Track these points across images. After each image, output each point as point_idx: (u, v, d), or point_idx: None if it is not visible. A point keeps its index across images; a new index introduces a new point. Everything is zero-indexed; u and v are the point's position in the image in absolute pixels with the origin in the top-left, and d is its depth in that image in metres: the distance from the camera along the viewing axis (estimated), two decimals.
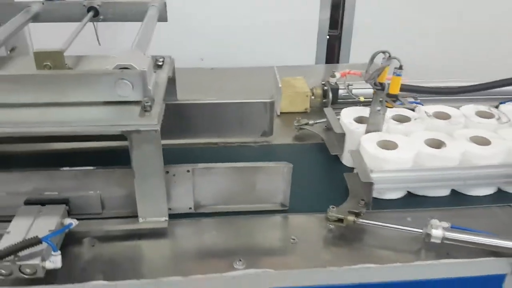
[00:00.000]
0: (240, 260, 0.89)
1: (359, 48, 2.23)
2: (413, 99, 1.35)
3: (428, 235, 0.90)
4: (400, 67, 1.01)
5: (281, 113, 1.45)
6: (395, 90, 1.03)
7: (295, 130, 1.35)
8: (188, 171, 0.96)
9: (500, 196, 1.09)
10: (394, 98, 1.04)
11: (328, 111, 1.29)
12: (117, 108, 0.89)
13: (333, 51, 2.28)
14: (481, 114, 1.21)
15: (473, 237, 0.90)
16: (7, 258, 0.80)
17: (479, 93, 1.24)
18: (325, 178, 1.16)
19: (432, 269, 0.91)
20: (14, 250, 0.80)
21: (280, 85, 1.41)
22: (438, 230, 0.90)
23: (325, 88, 1.46)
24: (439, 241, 0.90)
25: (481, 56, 2.12)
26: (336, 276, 0.90)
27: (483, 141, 1.08)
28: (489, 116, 1.20)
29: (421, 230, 0.92)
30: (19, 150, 1.17)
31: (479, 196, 1.08)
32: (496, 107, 1.27)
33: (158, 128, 0.86)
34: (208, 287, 0.88)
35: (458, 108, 1.23)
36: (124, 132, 0.85)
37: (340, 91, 1.45)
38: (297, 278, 0.90)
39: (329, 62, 2.24)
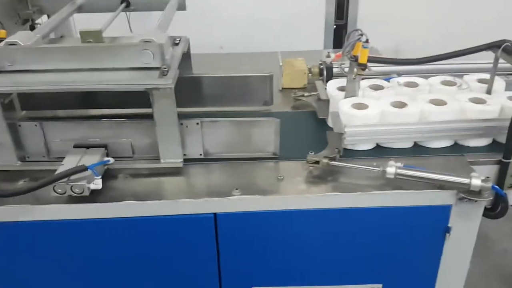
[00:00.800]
0: (237, 189, 1.16)
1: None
2: (396, 75, 1.59)
3: (384, 172, 1.14)
4: (366, 41, 1.25)
5: (282, 88, 1.70)
6: (363, 60, 1.27)
7: (293, 101, 1.60)
8: (197, 123, 1.23)
9: (456, 148, 1.31)
10: (363, 67, 1.28)
11: (319, 83, 1.54)
12: (142, 72, 1.16)
13: (340, 39, 2.52)
14: (446, 83, 1.43)
15: (420, 173, 1.14)
16: (61, 180, 1.09)
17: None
18: (312, 135, 1.39)
19: (386, 197, 1.15)
20: (67, 174, 1.09)
21: (281, 64, 1.67)
22: (391, 168, 1.14)
23: (321, 67, 1.70)
24: (392, 176, 1.14)
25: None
26: (310, 201, 1.15)
27: (440, 103, 1.31)
28: (452, 84, 1.42)
29: (379, 169, 1.16)
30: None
31: (437, 148, 1.30)
32: (462, 77, 1.48)
33: (172, 86, 1.13)
34: (213, 208, 1.15)
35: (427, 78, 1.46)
36: (147, 89, 1.13)
37: (335, 70, 1.69)
38: (280, 203, 1.16)
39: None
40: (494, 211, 1.27)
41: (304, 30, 2.41)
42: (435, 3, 2.39)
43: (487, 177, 1.11)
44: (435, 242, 1.22)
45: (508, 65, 1.31)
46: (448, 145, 1.31)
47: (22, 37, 1.20)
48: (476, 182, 1.10)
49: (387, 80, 1.47)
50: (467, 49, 1.32)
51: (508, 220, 1.62)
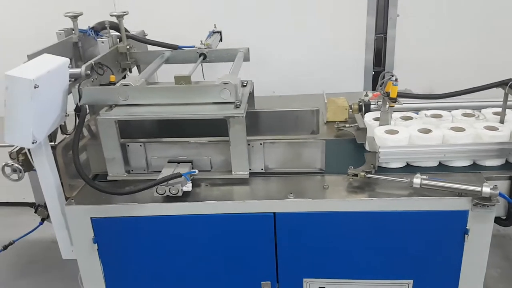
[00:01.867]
0: (291, 194, 1.48)
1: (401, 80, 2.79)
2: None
3: (411, 182, 1.43)
4: (396, 80, 1.58)
5: (327, 121, 2.04)
6: (394, 94, 1.59)
7: (336, 131, 1.93)
8: (260, 143, 1.58)
9: (475, 167, 1.58)
10: (393, 101, 1.60)
11: (358, 116, 1.86)
12: (221, 106, 1.54)
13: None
14: (465, 115, 1.72)
15: (441, 183, 1.42)
16: (162, 184, 1.46)
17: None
18: (352, 157, 1.69)
19: (413, 202, 1.44)
20: (166, 179, 1.46)
21: (326, 101, 2.02)
22: (417, 179, 1.43)
23: (360, 103, 2.03)
24: (418, 186, 1.43)
25: None
26: (349, 205, 1.46)
27: (459, 129, 1.59)
28: (471, 116, 1.71)
29: (407, 180, 1.45)
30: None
31: (459, 167, 1.58)
32: (480, 111, 1.76)
33: (243, 115, 1.49)
34: (272, 208, 1.48)
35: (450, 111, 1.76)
36: (225, 117, 1.50)
37: (372, 106, 2.01)
38: (326, 205, 1.47)
39: None
40: (507, 220, 1.52)
41: (345, 76, 2.77)
42: (461, 47, 2.70)
43: (495, 186, 1.38)
44: (456, 242, 1.47)
45: None
46: (467, 164, 1.59)
47: (132, 80, 1.62)
48: (486, 189, 1.37)
49: (416, 113, 1.78)
50: (481, 86, 1.63)
51: None
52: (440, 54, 2.72)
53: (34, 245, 2.84)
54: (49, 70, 1.38)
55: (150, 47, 2.23)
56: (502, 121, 1.65)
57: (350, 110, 2.03)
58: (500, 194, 1.39)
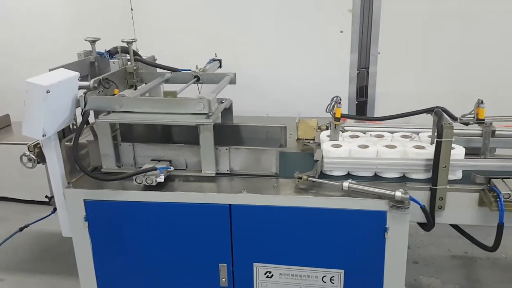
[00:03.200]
0: (245, 189, 1.81)
1: (381, 110, 3.08)
2: None
3: (341, 185, 1.74)
4: (339, 102, 1.91)
5: (298, 139, 2.37)
6: (338, 115, 1.92)
7: (302, 146, 2.26)
8: (226, 149, 1.93)
9: (403, 179, 1.87)
10: (337, 120, 1.93)
11: (318, 135, 2.19)
12: (196, 116, 1.89)
13: (363, 112, 3.17)
14: (404, 136, 2.02)
15: (364, 187, 1.72)
16: (140, 174, 1.82)
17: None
18: (307, 167, 2.01)
19: (342, 201, 1.74)
20: (144, 170, 1.83)
21: (297, 121, 2.36)
22: (346, 183, 1.74)
23: (327, 125, 2.35)
24: (346, 188, 1.73)
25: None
26: (290, 200, 1.77)
27: (392, 147, 1.89)
28: (408, 137, 2.01)
29: (338, 183, 1.76)
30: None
31: (390, 178, 1.87)
32: (418, 134, 2.06)
33: (211, 123, 1.84)
34: (228, 200, 1.81)
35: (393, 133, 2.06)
36: (197, 124, 1.86)
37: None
38: (271, 200, 1.79)
39: None
40: (426, 225, 1.79)
41: None
42: (435, 81, 2.99)
43: (406, 191, 1.67)
44: (379, 239, 1.75)
45: None
46: (397, 176, 1.88)
47: (128, 92, 2.01)
48: (398, 194, 1.67)
49: (364, 133, 2.09)
50: (413, 111, 1.94)
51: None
52: (417, 87, 3.02)
53: (48, 236, 3.26)
54: (60, 80, 1.79)
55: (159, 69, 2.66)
56: (432, 143, 1.93)
57: (319, 130, 2.36)
58: (410, 198, 1.68)
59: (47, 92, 1.70)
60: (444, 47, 2.96)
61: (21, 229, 2.55)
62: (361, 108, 3.16)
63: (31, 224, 2.57)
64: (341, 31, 3.01)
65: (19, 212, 3.68)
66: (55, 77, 1.80)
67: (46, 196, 2.34)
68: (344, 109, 3.12)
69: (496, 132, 2.07)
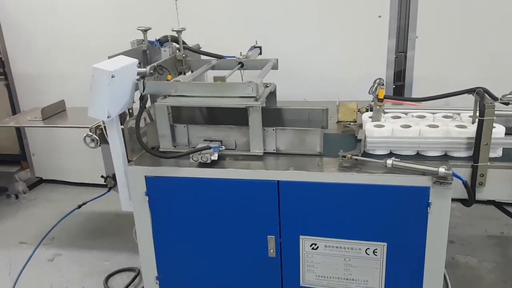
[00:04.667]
0: (292, 167, 1.94)
1: (418, 94, 3.14)
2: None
3: (385, 162, 1.84)
4: (382, 84, 2.00)
5: (338, 121, 2.47)
6: (381, 96, 2.01)
7: (343, 127, 2.36)
8: (273, 129, 2.05)
9: (445, 157, 1.94)
10: (381, 101, 2.02)
11: (359, 116, 2.28)
12: (245, 99, 2.02)
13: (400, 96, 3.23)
14: (445, 117, 2.09)
15: (407, 164, 1.81)
16: (196, 153, 1.97)
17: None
18: (351, 146, 2.11)
19: (386, 177, 1.84)
20: (200, 149, 1.97)
21: (337, 104, 2.46)
22: (390, 160, 1.83)
23: (367, 107, 2.44)
24: (390, 166, 1.83)
25: None
26: (335, 177, 1.89)
27: (434, 126, 1.97)
28: (449, 117, 2.08)
29: (382, 160, 1.85)
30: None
31: (432, 156, 1.95)
32: (459, 114, 2.12)
33: (260, 106, 1.97)
34: (276, 177, 1.93)
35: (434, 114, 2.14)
36: (246, 107, 1.99)
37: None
38: (316, 176, 1.90)
39: None
40: (467, 200, 1.87)
41: (369, 89, 3.17)
42: (473, 64, 3.02)
43: (449, 167, 1.76)
44: (421, 213, 1.84)
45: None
46: (439, 154, 1.96)
47: (182, 78, 2.16)
48: (441, 170, 1.75)
49: (406, 114, 2.17)
50: (454, 92, 2.01)
51: None
52: (454, 71, 3.06)
53: (99, 216, 3.48)
54: (123, 66, 1.95)
55: (203, 56, 2.80)
56: (473, 122, 2.00)
57: (359, 112, 2.46)
58: (453, 174, 1.76)
59: (112, 77, 1.86)
60: (482, 32, 2.99)
61: (79, 206, 2.74)
62: (399, 92, 3.22)
63: (88, 201, 2.76)
64: (379, 16, 3.07)
65: (68, 194, 3.94)
66: (118, 63, 1.96)
67: (102, 176, 2.51)
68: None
69: None
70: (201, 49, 2.90)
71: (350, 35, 3.16)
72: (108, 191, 2.53)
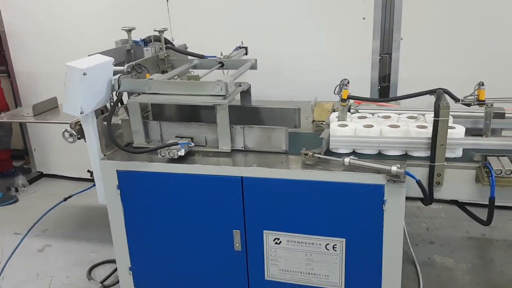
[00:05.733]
0: (255, 164, 2.00)
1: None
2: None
3: (343, 160, 1.89)
4: (347, 84, 2.05)
5: (313, 120, 2.52)
6: (344, 96, 2.06)
7: (315, 127, 2.42)
8: (241, 127, 2.12)
9: (404, 157, 1.99)
10: (344, 102, 2.07)
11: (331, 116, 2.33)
12: (214, 97, 2.10)
13: (385, 97, 3.25)
14: (409, 117, 2.13)
15: (363, 162, 1.86)
16: (164, 148, 2.05)
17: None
18: (315, 144, 2.16)
19: (343, 175, 1.89)
20: (167, 145, 2.05)
21: (312, 104, 2.51)
22: (347, 158, 1.88)
23: (343, 108, 2.49)
24: (348, 164, 1.88)
25: None
26: (295, 173, 1.95)
27: (395, 126, 2.01)
28: (413, 118, 2.12)
29: (340, 159, 1.91)
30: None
31: (392, 155, 2.00)
32: (423, 115, 2.16)
33: (227, 104, 2.04)
34: (240, 173, 2.00)
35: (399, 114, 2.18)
36: (214, 104, 2.06)
37: (352, 110, 2.46)
38: (278, 173, 1.97)
39: None
40: (423, 199, 1.91)
41: (354, 90, 3.20)
42: (458, 66, 3.03)
43: (402, 166, 1.80)
44: (377, 210, 1.89)
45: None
46: (400, 154, 2.00)
47: (156, 76, 2.24)
48: (394, 168, 1.80)
49: (372, 115, 2.22)
50: (416, 93, 2.05)
51: None
52: (439, 72, 3.07)
53: (91, 209, 3.60)
54: (96, 64, 2.05)
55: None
56: None
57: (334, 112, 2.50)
58: (405, 173, 1.80)
59: (83, 74, 1.96)
60: (468, 32, 3.00)
61: (65, 199, 2.86)
62: (385, 93, 3.26)
63: (74, 194, 2.87)
64: (364, 18, 3.11)
65: (66, 188, 4.07)
66: (92, 62, 2.06)
67: (88, 171, 2.62)
68: (366, 94, 3.29)
69: (506, 115, 2.16)
70: (187, 49, 2.99)
71: (335, 37, 3.20)
72: (94, 185, 2.64)
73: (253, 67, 2.65)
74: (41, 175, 4.40)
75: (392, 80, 3.21)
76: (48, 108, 3.00)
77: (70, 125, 2.31)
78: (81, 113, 2.04)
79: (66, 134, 2.27)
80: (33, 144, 4.35)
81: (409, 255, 2.78)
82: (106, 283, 2.71)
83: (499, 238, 2.95)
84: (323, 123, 2.41)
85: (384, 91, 3.26)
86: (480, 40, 2.99)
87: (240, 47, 2.98)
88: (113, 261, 2.92)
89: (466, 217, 3.10)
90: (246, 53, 3.00)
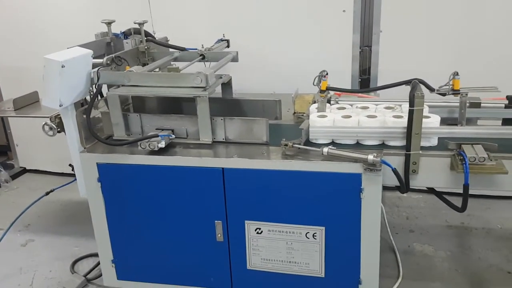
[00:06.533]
0: (236, 155, 2.02)
1: None
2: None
3: (321, 150, 1.92)
4: (325, 76, 2.08)
5: (294, 112, 2.55)
6: (323, 87, 2.09)
7: (296, 118, 2.45)
8: (222, 119, 2.14)
9: (381, 146, 2.02)
10: (322, 92, 2.10)
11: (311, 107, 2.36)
12: (194, 89, 2.11)
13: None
14: (387, 108, 2.17)
15: (341, 152, 1.89)
16: (144, 141, 2.06)
17: None
18: (296, 135, 2.18)
19: (322, 165, 1.92)
20: (147, 137, 2.06)
21: (293, 96, 2.54)
22: (326, 148, 1.91)
23: (322, 99, 2.52)
24: (326, 154, 1.91)
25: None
26: (275, 164, 1.97)
27: (372, 117, 2.05)
28: (391, 108, 2.15)
29: (318, 149, 1.94)
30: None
31: (370, 145, 2.03)
32: (400, 105, 2.19)
33: (207, 95, 2.05)
34: (221, 164, 2.02)
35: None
36: (194, 96, 2.07)
37: (332, 102, 2.49)
38: (257, 164, 1.99)
39: None
40: (399, 187, 1.95)
41: (335, 82, 3.24)
42: (437, 59, 3.07)
43: (378, 154, 1.84)
44: (355, 198, 1.93)
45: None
46: (377, 143, 2.04)
47: (135, 68, 2.24)
48: (370, 157, 1.83)
49: (351, 106, 2.25)
50: (393, 83, 2.09)
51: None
52: (419, 64, 3.12)
53: (75, 204, 3.59)
54: (74, 57, 2.05)
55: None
56: None
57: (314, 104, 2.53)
58: (382, 161, 1.84)
59: (62, 66, 1.96)
60: (447, 25, 3.04)
61: (47, 193, 2.85)
62: (365, 86, 3.29)
63: (56, 188, 2.86)
64: (344, 10, 3.13)
65: (49, 183, 4.03)
66: (70, 54, 2.05)
67: (70, 165, 2.61)
68: (347, 86, 3.32)
69: (482, 104, 2.22)
70: (168, 42, 2.99)
71: (315, 29, 3.22)
72: (75, 179, 2.63)
73: (234, 59, 2.67)
74: (24, 170, 4.35)
75: (373, 73, 3.25)
76: (29, 103, 2.97)
77: (50, 119, 2.30)
78: (60, 106, 2.04)
79: (46, 128, 2.27)
80: (16, 139, 4.30)
81: (389, 243, 2.83)
82: (89, 276, 2.71)
83: (477, 226, 3.02)
84: (304, 114, 2.44)
85: (364, 83, 3.29)
86: (459, 33, 3.03)
87: (221, 40, 3.00)
88: (96, 255, 2.90)
89: (445, 206, 3.15)
90: (228, 46, 3.02)
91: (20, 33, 3.82)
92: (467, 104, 2.08)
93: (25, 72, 3.92)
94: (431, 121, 1.97)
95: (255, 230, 2.10)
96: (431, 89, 2.03)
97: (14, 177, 4.24)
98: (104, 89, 2.28)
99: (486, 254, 2.75)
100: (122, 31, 2.72)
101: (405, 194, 2.20)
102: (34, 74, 3.79)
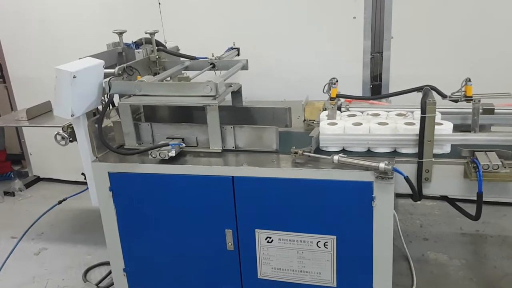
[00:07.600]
0: (246, 163, 2.02)
1: None
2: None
3: (332, 158, 1.91)
4: (334, 83, 2.07)
5: (304, 119, 2.54)
6: (333, 95, 2.08)
7: (306, 126, 2.43)
8: (231, 127, 2.13)
9: (393, 154, 2.00)
10: (333, 100, 2.09)
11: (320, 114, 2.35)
12: (204, 98, 2.11)
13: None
14: (398, 115, 2.14)
15: (352, 160, 1.88)
16: (155, 150, 2.06)
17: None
18: (306, 143, 2.17)
19: (332, 173, 1.91)
20: (158, 146, 2.07)
21: (303, 103, 2.52)
22: (336, 156, 1.90)
23: (332, 107, 2.50)
24: (337, 161, 1.90)
25: None
26: (285, 172, 1.96)
27: (384, 124, 2.03)
28: (402, 115, 2.13)
29: (329, 157, 1.92)
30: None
31: (381, 153, 2.01)
32: (412, 112, 2.17)
33: (217, 104, 2.06)
34: (231, 173, 2.02)
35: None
36: (204, 105, 2.08)
37: (342, 109, 2.47)
38: (267, 172, 1.98)
39: None
40: (411, 196, 1.93)
41: (346, 89, 3.22)
42: (449, 65, 3.04)
43: (390, 162, 1.82)
44: (367, 207, 1.91)
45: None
46: (389, 151, 2.02)
47: (147, 78, 2.26)
48: (381, 165, 1.81)
49: (362, 113, 2.23)
50: (405, 90, 2.06)
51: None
52: (430, 70, 3.09)
53: (87, 212, 3.61)
54: (86, 67, 2.06)
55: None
56: None
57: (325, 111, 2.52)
58: (393, 169, 1.82)
59: (73, 77, 1.97)
60: (458, 30, 3.02)
61: (59, 202, 2.88)
62: (377, 92, 3.27)
63: (69, 197, 2.89)
64: (354, 17, 3.12)
65: (63, 191, 4.08)
66: (82, 64, 2.07)
67: (82, 173, 2.64)
68: (359, 92, 3.31)
69: (495, 110, 2.18)
70: (179, 51, 3.01)
71: (326, 36, 3.22)
72: (88, 188, 2.65)
73: (244, 67, 2.67)
74: (38, 179, 4.41)
75: (384, 79, 3.23)
76: (42, 112, 3.01)
77: (62, 128, 2.33)
78: (72, 116, 2.06)
79: (58, 137, 2.29)
80: (30, 148, 4.36)
81: (403, 251, 2.80)
82: (101, 285, 2.73)
83: (492, 234, 2.97)
84: (314, 122, 2.42)
85: (376, 89, 3.27)
86: (471, 38, 3.01)
87: (232, 48, 3.00)
88: (109, 263, 2.93)
89: (459, 213, 3.14)
90: (238, 54, 3.02)
91: (33, 44, 3.89)
92: (480, 111, 2.04)
93: (38, 82, 3.97)
94: (444, 128, 1.95)
95: (266, 239, 2.08)
96: (443, 96, 2.01)
97: (27, 185, 4.29)
98: (116, 99, 2.31)
99: (502, 262, 2.70)
100: (133, 41, 2.74)
101: (418, 202, 2.16)
102: (47, 84, 3.88)
